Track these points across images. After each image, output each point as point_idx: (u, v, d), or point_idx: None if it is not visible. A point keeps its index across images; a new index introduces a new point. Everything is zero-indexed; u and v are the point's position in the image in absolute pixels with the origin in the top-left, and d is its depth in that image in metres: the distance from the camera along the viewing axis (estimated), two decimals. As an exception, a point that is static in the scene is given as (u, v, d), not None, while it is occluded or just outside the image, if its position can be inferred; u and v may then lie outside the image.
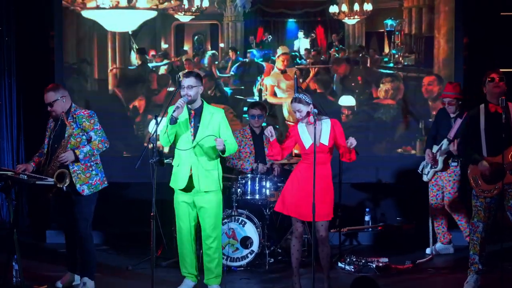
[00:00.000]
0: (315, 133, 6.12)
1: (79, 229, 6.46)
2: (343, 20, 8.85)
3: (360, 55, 8.81)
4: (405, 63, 8.71)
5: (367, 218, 8.74)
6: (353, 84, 8.88)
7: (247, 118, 8.24)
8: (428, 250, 7.93)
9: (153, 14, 8.77)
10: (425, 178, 7.88)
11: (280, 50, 9.02)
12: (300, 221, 6.28)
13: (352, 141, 6.12)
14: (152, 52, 8.89)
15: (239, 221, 7.38)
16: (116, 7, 8.31)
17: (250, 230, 7.37)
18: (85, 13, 8.64)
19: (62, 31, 8.93)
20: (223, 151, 6.22)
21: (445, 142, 7.66)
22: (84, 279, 6.53)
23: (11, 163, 8.71)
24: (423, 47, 8.65)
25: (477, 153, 6.44)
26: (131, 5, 8.15)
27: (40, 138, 6.71)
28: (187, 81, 6.23)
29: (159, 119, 5.97)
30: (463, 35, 8.73)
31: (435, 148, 7.76)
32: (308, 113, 6.18)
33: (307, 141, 6.23)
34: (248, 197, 7.54)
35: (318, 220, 6.17)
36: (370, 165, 8.67)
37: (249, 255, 7.38)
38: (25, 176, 6.16)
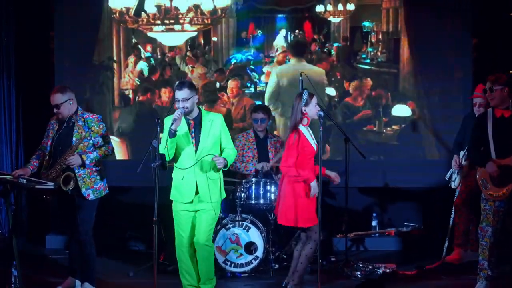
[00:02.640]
0: (320, 135, 6.04)
1: (80, 234, 6.40)
2: (329, 19, 9.15)
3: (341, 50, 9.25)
4: (379, 60, 9.15)
5: (374, 223, 8.65)
6: (332, 79, 9.17)
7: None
8: None
9: (195, 33, 9.25)
10: (452, 185, 7.61)
11: (278, 47, 9.22)
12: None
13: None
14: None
15: (243, 226, 7.30)
16: (172, 30, 9.27)
17: (255, 235, 7.28)
18: (150, 34, 9.28)
19: (63, 32, 8.91)
20: (225, 166, 6.16)
21: None
22: (85, 284, 6.48)
23: (10, 167, 8.61)
24: (393, 46, 9.13)
25: (485, 155, 6.42)
26: (183, 29, 9.16)
27: (40, 141, 6.60)
28: (181, 94, 6.09)
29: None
30: (471, 36, 8.70)
31: (462, 154, 7.54)
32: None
33: (313, 144, 6.15)
34: (253, 202, 7.48)
35: None
36: (377, 169, 8.59)
37: (253, 261, 7.28)
38: (24, 180, 6.10)
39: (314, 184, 6.15)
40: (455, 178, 7.58)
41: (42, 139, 6.56)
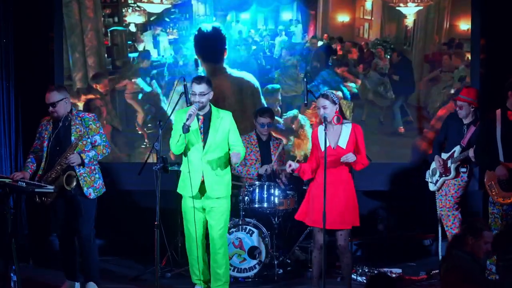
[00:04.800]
0: (325, 137, 5.99)
1: (82, 232, 6.40)
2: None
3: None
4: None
5: (379, 227, 8.59)
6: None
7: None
8: None
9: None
10: (432, 188, 7.46)
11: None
12: (321, 231, 6.03)
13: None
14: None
15: (247, 230, 7.22)
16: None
17: (258, 239, 7.20)
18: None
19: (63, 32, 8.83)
20: (236, 162, 6.21)
21: (457, 149, 7.25)
22: (90, 284, 6.48)
23: (9, 170, 8.52)
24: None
25: (493, 158, 6.39)
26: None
27: (39, 144, 6.52)
28: (199, 88, 6.16)
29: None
30: (479, 37, 8.65)
31: (444, 155, 7.42)
32: (335, 113, 6.13)
33: (323, 145, 6.09)
34: (256, 206, 7.38)
35: (340, 228, 6.13)
36: (383, 172, 8.54)
37: (257, 265, 7.20)
38: (24, 183, 6.06)
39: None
40: (437, 181, 7.38)
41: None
